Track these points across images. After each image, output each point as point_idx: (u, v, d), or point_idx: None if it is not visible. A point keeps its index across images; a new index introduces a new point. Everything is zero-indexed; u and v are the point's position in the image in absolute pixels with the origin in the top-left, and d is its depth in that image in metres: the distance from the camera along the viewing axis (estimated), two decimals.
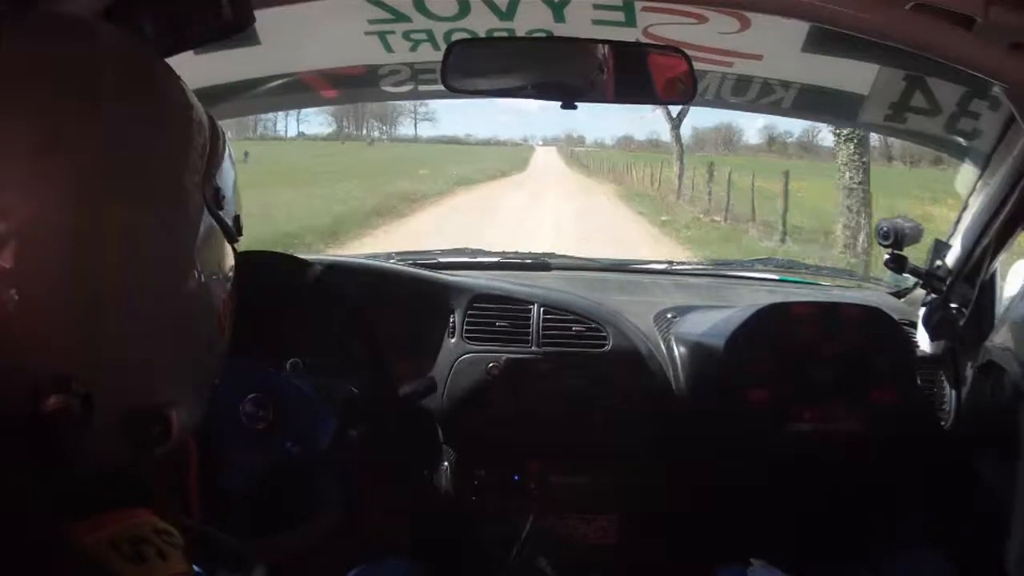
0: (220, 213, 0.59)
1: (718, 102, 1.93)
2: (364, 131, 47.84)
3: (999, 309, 1.51)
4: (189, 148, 0.56)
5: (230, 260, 0.62)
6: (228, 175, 0.61)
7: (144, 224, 0.53)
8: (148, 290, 0.53)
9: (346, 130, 45.94)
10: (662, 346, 1.61)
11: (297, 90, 1.93)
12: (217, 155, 0.59)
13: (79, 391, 0.49)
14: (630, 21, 1.66)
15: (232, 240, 0.62)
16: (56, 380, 0.49)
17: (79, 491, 0.52)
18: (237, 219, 0.62)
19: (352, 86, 2.00)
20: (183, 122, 0.57)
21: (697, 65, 1.24)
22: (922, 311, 1.58)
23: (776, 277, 2.00)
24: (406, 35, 1.75)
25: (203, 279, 0.57)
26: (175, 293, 0.55)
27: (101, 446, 0.53)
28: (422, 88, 1.92)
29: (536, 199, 17.46)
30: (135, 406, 0.54)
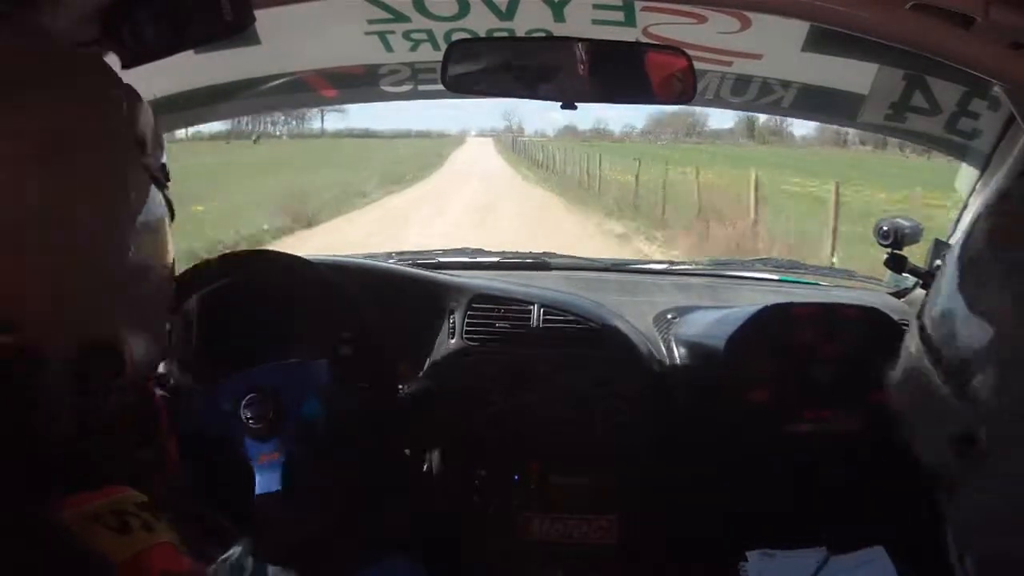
0: (146, 160, 0.61)
1: (718, 102, 1.92)
2: (258, 127, 41.64)
3: None
4: (112, 105, 0.59)
5: (162, 203, 0.64)
6: (149, 125, 0.63)
7: (71, 164, 0.54)
8: (85, 228, 0.55)
9: (246, 127, 38.97)
10: (662, 346, 1.61)
11: (297, 90, 1.93)
12: (137, 109, 0.62)
13: (26, 330, 0.50)
14: (630, 21, 1.66)
15: (161, 187, 0.64)
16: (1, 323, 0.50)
17: (54, 466, 0.52)
18: (163, 167, 0.65)
19: (352, 86, 2.00)
20: (104, 91, 0.60)
21: (697, 65, 1.23)
22: None
23: (776, 277, 2.00)
24: (406, 35, 1.75)
25: (139, 218, 0.59)
26: (110, 229, 0.57)
27: (55, 385, 0.53)
28: (422, 88, 1.92)
29: None
30: (85, 341, 0.55)
